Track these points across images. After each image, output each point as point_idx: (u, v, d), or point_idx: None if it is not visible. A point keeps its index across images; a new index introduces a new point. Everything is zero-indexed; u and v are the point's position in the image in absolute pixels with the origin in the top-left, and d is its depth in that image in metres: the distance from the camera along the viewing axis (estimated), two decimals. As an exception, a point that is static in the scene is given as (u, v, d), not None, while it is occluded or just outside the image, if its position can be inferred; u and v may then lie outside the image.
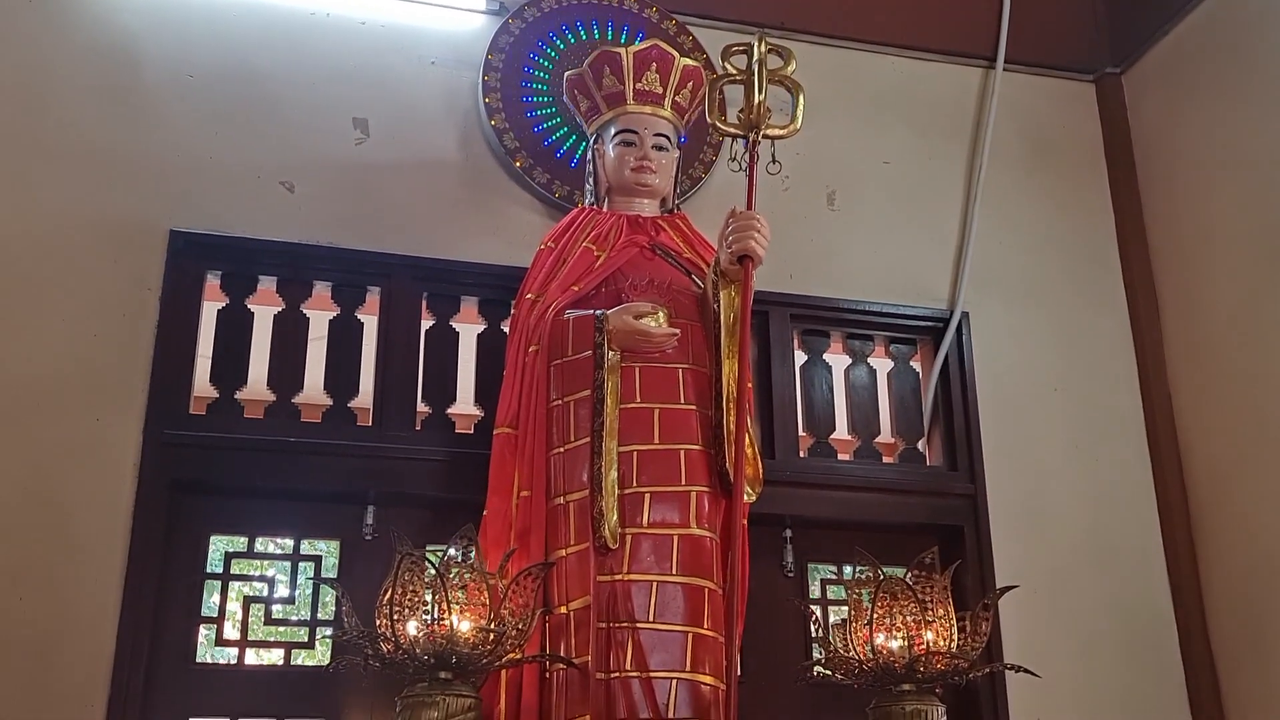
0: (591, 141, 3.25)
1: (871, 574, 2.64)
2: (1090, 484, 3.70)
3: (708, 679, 2.70)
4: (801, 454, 3.52)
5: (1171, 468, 3.74)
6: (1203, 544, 3.64)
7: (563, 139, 3.56)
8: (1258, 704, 3.38)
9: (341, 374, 3.27)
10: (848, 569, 3.38)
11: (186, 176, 3.27)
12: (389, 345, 3.29)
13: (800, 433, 3.55)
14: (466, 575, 2.37)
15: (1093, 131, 4.14)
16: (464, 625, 2.31)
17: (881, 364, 3.76)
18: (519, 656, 2.47)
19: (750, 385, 2.91)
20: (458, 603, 2.32)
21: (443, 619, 2.29)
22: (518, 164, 3.50)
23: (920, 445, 3.67)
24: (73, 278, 3.09)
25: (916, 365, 3.77)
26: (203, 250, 3.21)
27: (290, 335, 3.26)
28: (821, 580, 3.64)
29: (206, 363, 3.19)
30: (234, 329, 3.24)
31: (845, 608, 2.77)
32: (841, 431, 3.65)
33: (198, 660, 3.06)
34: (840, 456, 3.58)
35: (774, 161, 2.92)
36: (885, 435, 3.71)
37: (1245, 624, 3.45)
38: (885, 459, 3.65)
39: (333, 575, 3.14)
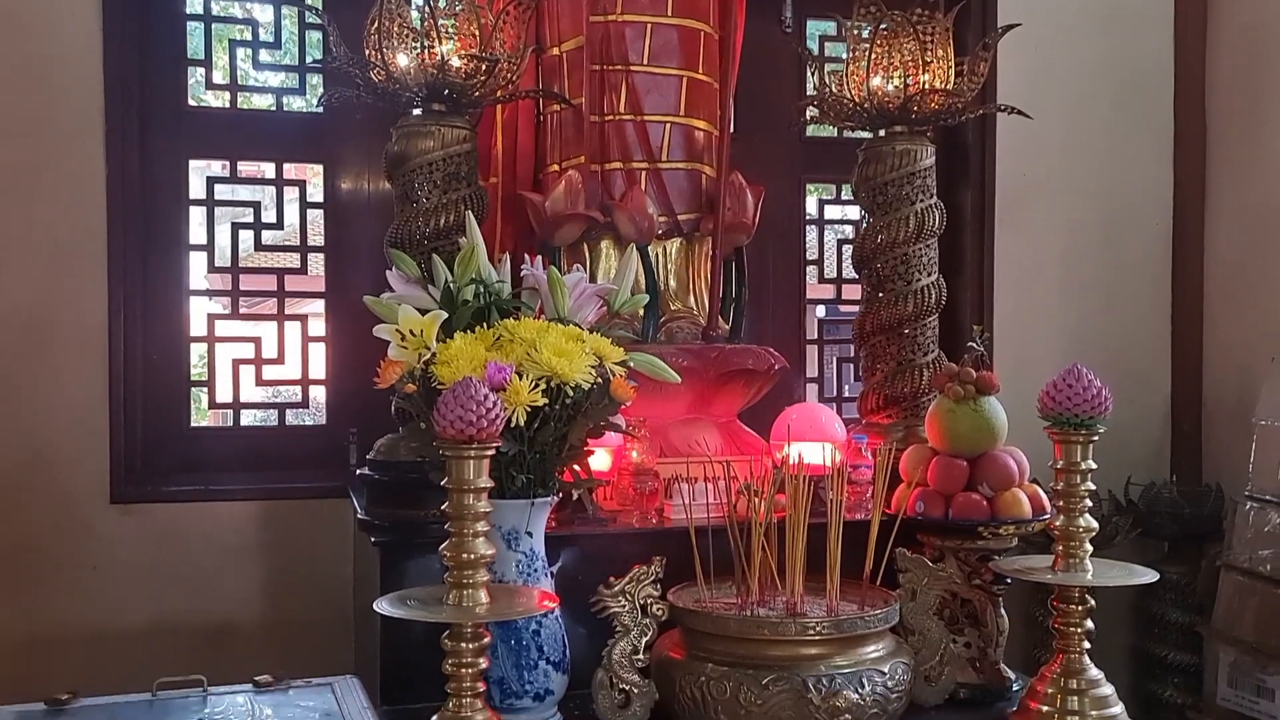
0: None
1: (874, 16, 2.55)
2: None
3: (702, 124, 2.72)
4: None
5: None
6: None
7: None
8: (1245, 166, 3.44)
9: None
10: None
11: None
12: None
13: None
14: (455, 4, 2.29)
15: None
16: (455, 58, 2.27)
17: None
18: (512, 92, 2.44)
19: None
20: (447, 32, 2.26)
21: (433, 48, 2.23)
22: None
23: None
24: None
25: None
26: None
27: None
28: (820, 37, 3.56)
29: None
30: None
31: (843, 64, 2.70)
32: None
33: (190, 104, 3.05)
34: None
35: None
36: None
37: (1245, 81, 3.42)
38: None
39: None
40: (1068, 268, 3.51)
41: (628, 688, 1.85)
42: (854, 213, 3.54)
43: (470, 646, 1.69)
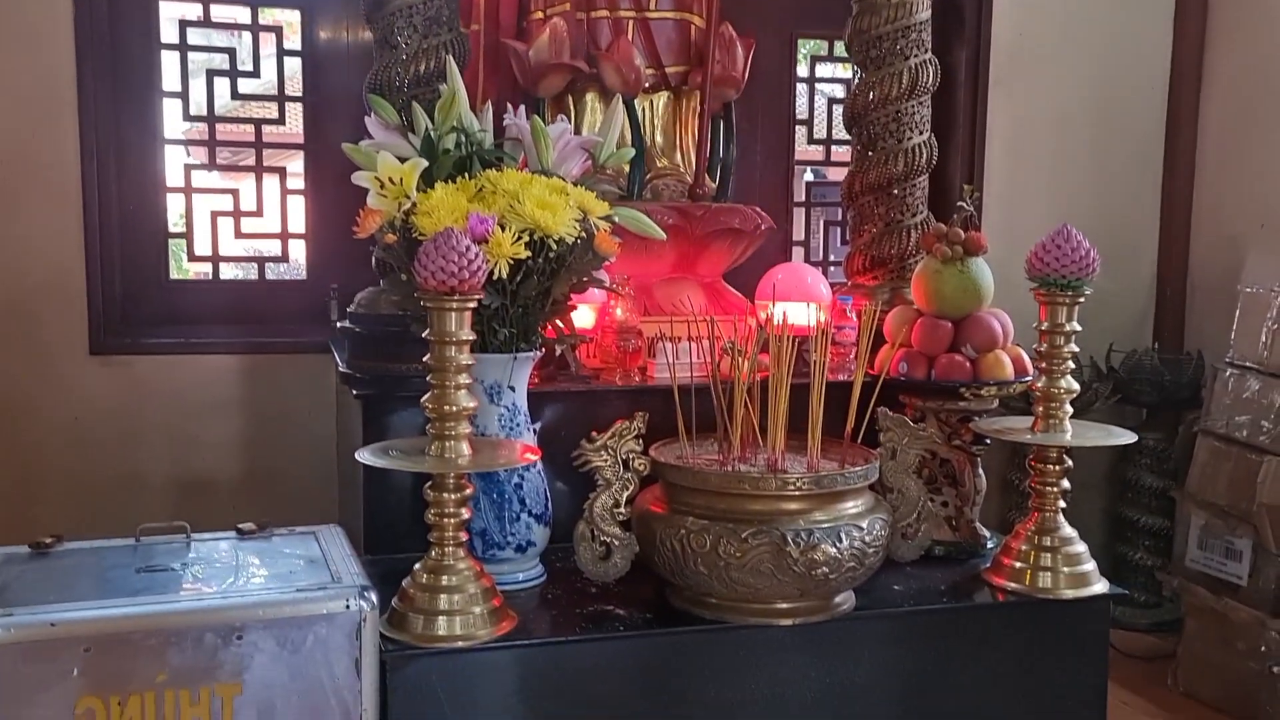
0: None
1: None
2: None
3: (691, -29, 2.63)
4: None
5: None
6: None
7: None
8: (1244, 31, 3.36)
9: None
10: None
11: None
12: None
13: None
14: None
15: None
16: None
17: None
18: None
19: None
20: None
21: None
22: None
23: None
24: None
25: None
26: None
27: None
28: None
29: None
30: None
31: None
32: None
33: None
34: None
35: None
36: None
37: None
38: None
39: None
40: (1061, 130, 3.46)
41: (609, 540, 1.86)
42: (845, 73, 3.46)
43: (452, 497, 1.70)
